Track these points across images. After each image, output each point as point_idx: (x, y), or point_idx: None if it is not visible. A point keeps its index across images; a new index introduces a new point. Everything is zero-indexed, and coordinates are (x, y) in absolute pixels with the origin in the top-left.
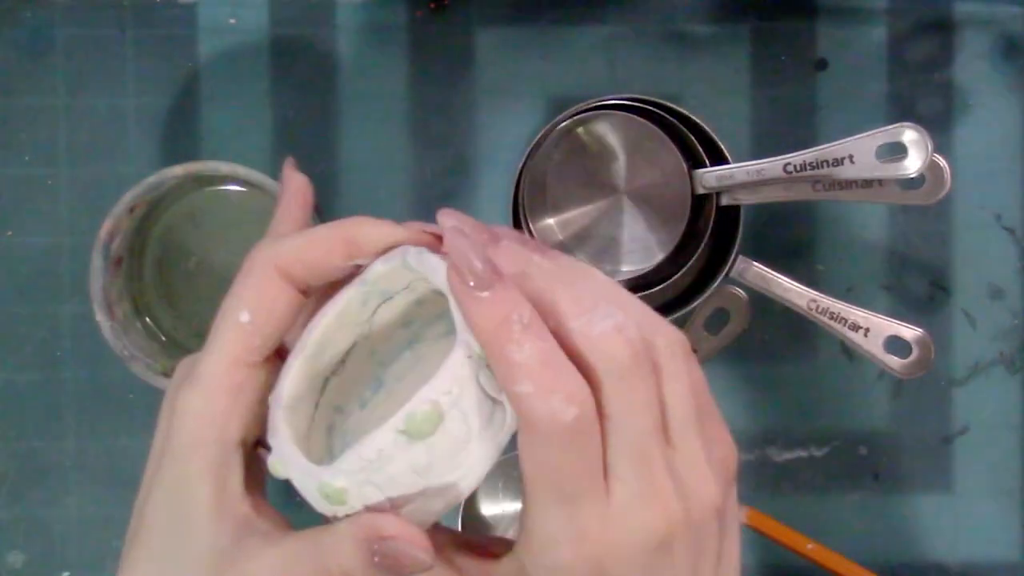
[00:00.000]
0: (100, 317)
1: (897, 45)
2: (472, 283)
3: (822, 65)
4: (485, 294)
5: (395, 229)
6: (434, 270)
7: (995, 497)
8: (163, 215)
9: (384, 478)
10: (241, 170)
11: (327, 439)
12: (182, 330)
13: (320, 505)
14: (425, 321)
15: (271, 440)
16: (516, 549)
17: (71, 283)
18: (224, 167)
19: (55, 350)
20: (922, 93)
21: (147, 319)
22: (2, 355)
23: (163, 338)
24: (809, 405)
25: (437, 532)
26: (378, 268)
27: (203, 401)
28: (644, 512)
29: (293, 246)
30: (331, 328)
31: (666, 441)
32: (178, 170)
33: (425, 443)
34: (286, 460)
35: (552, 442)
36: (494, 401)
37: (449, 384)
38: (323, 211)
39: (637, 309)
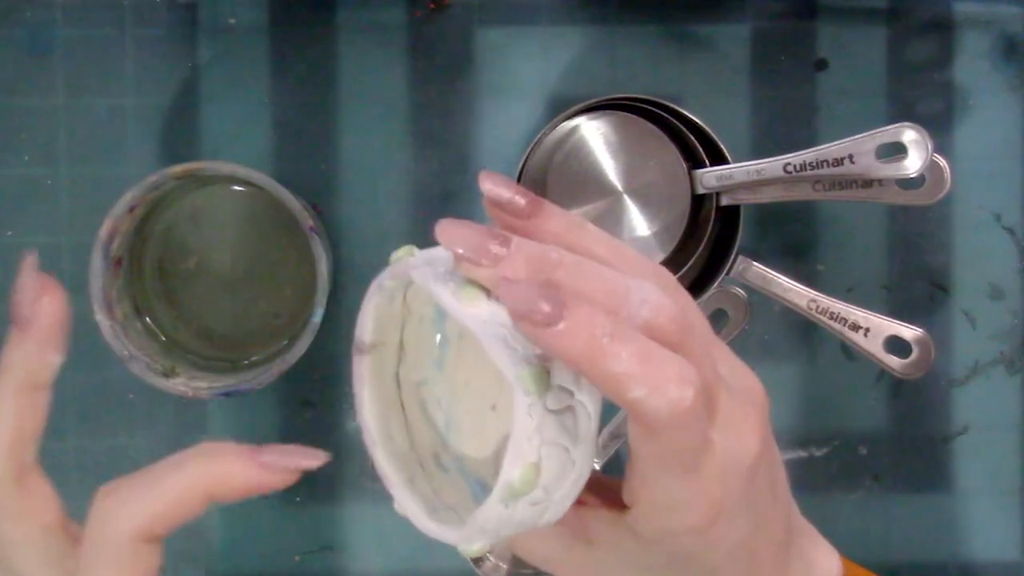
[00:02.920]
0: (100, 317)
1: (897, 45)
2: (542, 321)
3: (822, 65)
4: (561, 326)
5: (255, 469)
6: (445, 304)
7: (995, 497)
8: (163, 215)
9: (514, 525)
10: (241, 170)
11: (424, 415)
12: (182, 330)
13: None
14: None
15: (390, 488)
16: (629, 518)
17: (71, 283)
18: (224, 167)
19: None
20: (922, 93)
21: (147, 319)
22: None
23: (163, 338)
24: (809, 405)
25: None
26: (388, 283)
27: None
28: (742, 446)
29: (150, 514)
30: (376, 336)
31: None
32: (178, 170)
33: (534, 492)
34: (412, 516)
35: (676, 427)
36: (567, 407)
37: (527, 437)
38: (322, 210)
39: (637, 263)
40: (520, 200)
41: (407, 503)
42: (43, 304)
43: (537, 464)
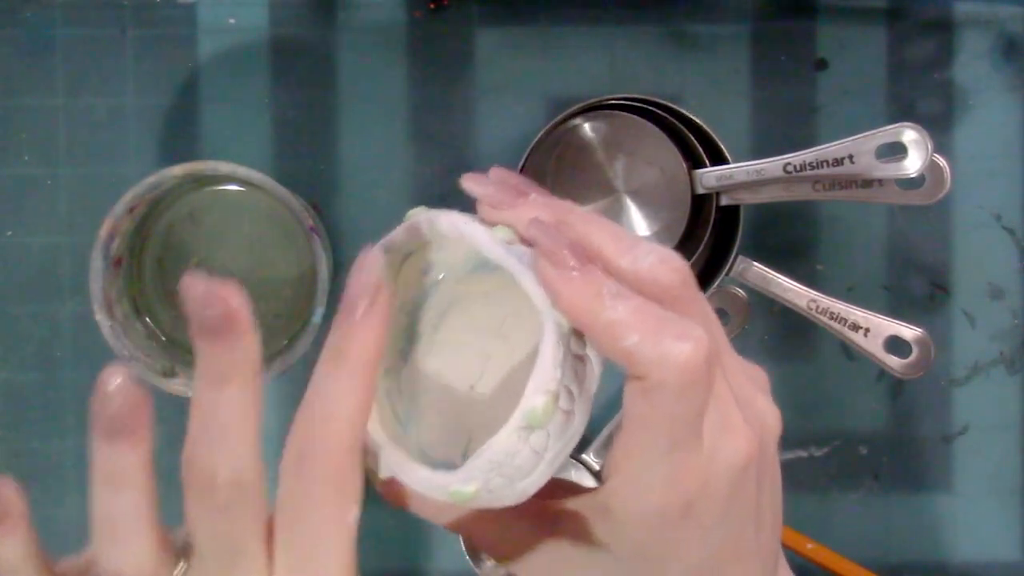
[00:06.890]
0: (100, 317)
1: (897, 45)
2: (562, 268)
3: (822, 65)
4: (574, 274)
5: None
6: (479, 241)
7: (995, 497)
8: (163, 215)
9: (511, 468)
10: (241, 170)
11: (384, 404)
12: (182, 330)
13: (449, 500)
14: (447, 265)
15: (380, 454)
16: (603, 493)
17: (71, 283)
18: (224, 167)
19: (55, 350)
20: (922, 93)
21: (147, 319)
22: (2, 355)
23: (163, 338)
24: (809, 405)
25: None
26: (400, 238)
27: None
28: (729, 447)
29: (356, 411)
30: None
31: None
32: (178, 170)
33: (545, 428)
34: (405, 473)
35: (667, 387)
36: (580, 356)
37: (553, 369)
38: (322, 210)
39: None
40: (499, 195)
41: (409, 465)
42: (383, 289)
43: (556, 395)
